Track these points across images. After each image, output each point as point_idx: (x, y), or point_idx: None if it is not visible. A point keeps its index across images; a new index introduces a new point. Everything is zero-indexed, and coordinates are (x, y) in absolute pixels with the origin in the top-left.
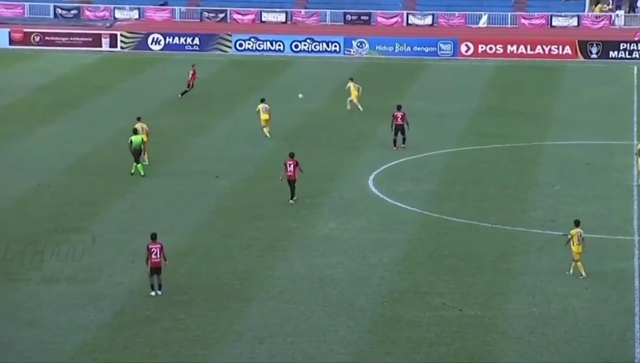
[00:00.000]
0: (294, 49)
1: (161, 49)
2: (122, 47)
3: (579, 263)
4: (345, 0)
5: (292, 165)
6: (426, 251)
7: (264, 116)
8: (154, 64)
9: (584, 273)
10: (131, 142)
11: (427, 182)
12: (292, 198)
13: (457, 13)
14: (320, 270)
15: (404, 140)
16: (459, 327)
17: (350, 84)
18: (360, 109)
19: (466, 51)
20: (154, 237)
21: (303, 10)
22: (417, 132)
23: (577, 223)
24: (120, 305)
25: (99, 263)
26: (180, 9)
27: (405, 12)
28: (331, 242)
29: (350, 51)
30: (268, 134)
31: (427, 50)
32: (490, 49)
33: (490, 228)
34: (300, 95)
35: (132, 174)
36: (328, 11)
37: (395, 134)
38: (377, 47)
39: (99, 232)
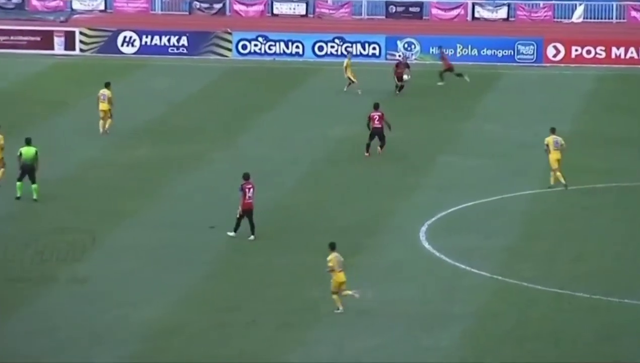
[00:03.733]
0: (318, 52)
1: (136, 52)
2: (82, 50)
3: None
4: None
5: (251, 190)
6: (500, 330)
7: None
8: (125, 72)
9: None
10: (20, 154)
11: (501, 235)
12: (252, 234)
13: (541, 3)
14: (356, 357)
15: (382, 145)
16: None
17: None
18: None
19: (554, 55)
20: None
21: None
22: (487, 166)
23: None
24: None
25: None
26: None
27: (470, 2)
28: (369, 318)
29: (394, 55)
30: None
31: (500, 55)
32: (589, 52)
33: (590, 300)
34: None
35: (19, 197)
36: (364, 0)
37: (371, 138)
38: (431, 50)
39: (45, 312)
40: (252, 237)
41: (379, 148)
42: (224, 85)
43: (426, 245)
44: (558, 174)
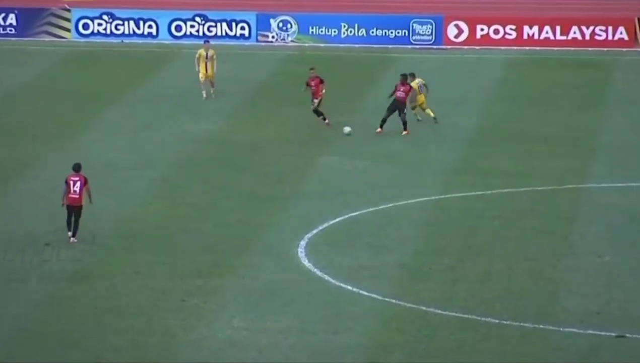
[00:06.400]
0: (175, 32)
1: None
2: None
3: None
4: None
5: (78, 184)
6: None
7: None
8: None
9: None
10: None
11: (395, 250)
12: (73, 236)
13: None
14: None
15: (404, 125)
16: None
17: (209, 49)
18: (210, 93)
19: (456, 36)
20: None
21: None
22: (377, 168)
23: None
24: None
25: None
26: None
27: None
28: (239, 350)
29: (267, 36)
30: None
31: (392, 35)
32: (496, 31)
33: (499, 326)
34: (347, 130)
35: None
36: None
37: (390, 112)
38: (310, 30)
39: None
40: (73, 239)
41: (404, 131)
42: (61, 74)
43: (306, 263)
44: (417, 110)
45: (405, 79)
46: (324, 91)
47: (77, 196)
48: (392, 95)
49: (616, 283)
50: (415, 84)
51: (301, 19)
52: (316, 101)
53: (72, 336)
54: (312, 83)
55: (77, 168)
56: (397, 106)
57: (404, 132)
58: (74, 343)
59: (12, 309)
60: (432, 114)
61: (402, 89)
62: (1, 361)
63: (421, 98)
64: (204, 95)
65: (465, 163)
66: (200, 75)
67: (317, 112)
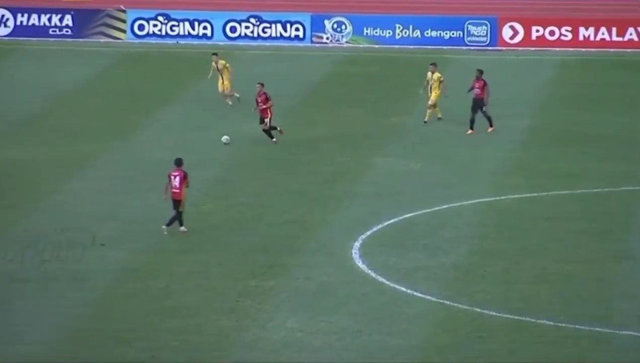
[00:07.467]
0: (230, 33)
1: (9, 34)
2: None
3: None
4: None
5: (177, 179)
6: None
7: None
8: None
9: None
10: None
11: (449, 251)
12: (181, 226)
13: None
14: None
15: (489, 120)
16: None
17: (218, 61)
18: (227, 103)
19: (511, 37)
20: None
21: None
22: (431, 169)
23: (178, 163)
24: None
25: None
26: None
27: None
28: (293, 351)
29: (321, 37)
30: None
31: (447, 37)
32: (552, 33)
33: (554, 328)
34: (225, 139)
35: None
36: None
37: (474, 112)
38: (365, 32)
39: None
40: (182, 228)
41: (489, 127)
42: (117, 74)
43: (360, 264)
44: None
45: (480, 74)
46: (270, 104)
47: (177, 190)
48: (470, 90)
49: None
50: (437, 77)
51: (356, 20)
52: (267, 120)
53: (127, 335)
54: (259, 99)
55: (178, 163)
56: (476, 103)
57: (490, 129)
58: (128, 342)
59: (67, 308)
60: (426, 117)
61: (477, 85)
62: (56, 360)
63: (434, 94)
64: (230, 103)
65: (519, 164)
66: (219, 85)
67: (267, 133)
